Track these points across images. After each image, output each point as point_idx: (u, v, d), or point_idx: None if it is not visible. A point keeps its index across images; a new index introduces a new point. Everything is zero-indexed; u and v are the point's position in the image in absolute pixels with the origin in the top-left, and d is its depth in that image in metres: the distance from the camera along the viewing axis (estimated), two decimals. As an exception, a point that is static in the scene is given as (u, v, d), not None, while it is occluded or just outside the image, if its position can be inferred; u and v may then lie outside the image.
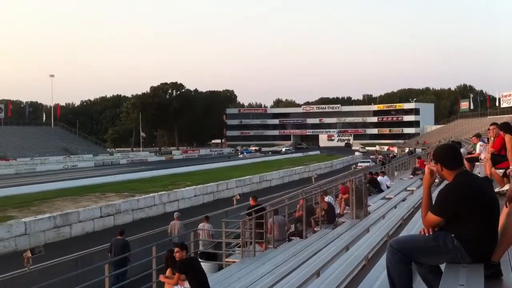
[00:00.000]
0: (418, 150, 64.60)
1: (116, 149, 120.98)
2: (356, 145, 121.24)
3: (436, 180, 4.21)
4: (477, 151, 14.04)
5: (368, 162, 60.25)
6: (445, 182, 3.64)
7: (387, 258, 3.60)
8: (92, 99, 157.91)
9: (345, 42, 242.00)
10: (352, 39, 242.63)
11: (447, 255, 3.43)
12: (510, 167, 7.92)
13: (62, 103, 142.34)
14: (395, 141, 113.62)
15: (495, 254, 3.38)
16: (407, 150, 73.88)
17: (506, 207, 3.57)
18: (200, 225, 16.05)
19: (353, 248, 7.17)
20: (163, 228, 18.05)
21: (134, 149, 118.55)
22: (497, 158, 8.44)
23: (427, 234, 3.51)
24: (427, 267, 3.58)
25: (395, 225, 8.56)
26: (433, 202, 3.55)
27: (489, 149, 9.24)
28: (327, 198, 14.88)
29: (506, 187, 8.06)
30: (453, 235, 3.39)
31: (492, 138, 9.35)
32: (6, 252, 19.47)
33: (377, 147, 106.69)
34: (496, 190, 8.38)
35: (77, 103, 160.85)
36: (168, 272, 9.29)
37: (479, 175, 10.49)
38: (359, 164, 58.92)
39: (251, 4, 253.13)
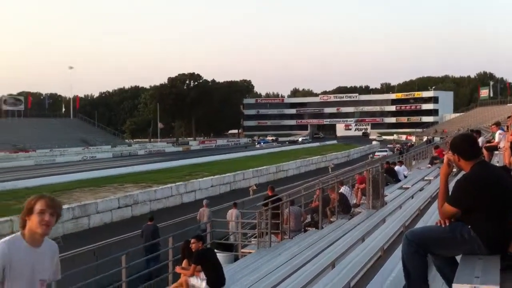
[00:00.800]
0: (437, 139, 64.04)
1: (134, 140, 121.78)
2: (374, 134, 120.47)
3: (454, 170, 4.12)
4: (496, 139, 13.84)
5: (386, 151, 59.89)
6: (463, 173, 3.57)
7: (402, 249, 3.54)
8: (110, 90, 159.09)
9: (362, 30, 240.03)
10: (370, 27, 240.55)
11: (464, 247, 3.36)
12: (530, 156, 7.77)
13: (81, 95, 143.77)
14: (413, 130, 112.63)
15: (512, 245, 3.30)
16: (425, 139, 73.26)
17: None
18: (229, 212, 16.14)
19: (369, 239, 7.10)
20: (193, 215, 18.42)
21: (152, 140, 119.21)
22: (516, 148, 8.30)
23: (443, 226, 3.44)
24: (443, 258, 3.52)
25: (412, 215, 8.46)
26: (450, 193, 3.49)
27: (508, 137, 9.08)
28: (343, 188, 14.78)
29: (526, 176, 7.91)
30: (469, 226, 3.32)
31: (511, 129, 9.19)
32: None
33: (395, 136, 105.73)
34: (515, 179, 8.25)
35: (96, 94, 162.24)
36: (184, 263, 9.31)
37: (498, 164, 10.33)
38: (376, 153, 58.55)
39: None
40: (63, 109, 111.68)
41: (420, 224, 6.32)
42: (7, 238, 3.00)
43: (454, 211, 3.39)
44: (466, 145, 3.48)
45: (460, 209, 3.36)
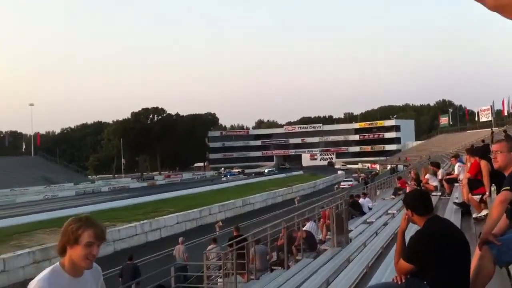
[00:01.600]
0: (400, 167, 65.08)
1: (98, 176, 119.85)
2: (339, 164, 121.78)
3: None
4: (456, 171, 14.17)
5: (351, 181, 60.47)
6: (417, 228, 3.61)
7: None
8: (72, 126, 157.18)
9: (324, 61, 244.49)
10: (331, 57, 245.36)
11: (421, 303, 3.36)
12: (487, 192, 7.92)
13: (42, 132, 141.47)
14: (377, 158, 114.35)
15: (469, 299, 3.33)
16: (389, 167, 74.35)
17: (480, 250, 3.53)
18: (209, 247, 16.06)
19: (334, 283, 7.07)
20: (169, 250, 18.84)
21: (116, 175, 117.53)
22: (474, 183, 8.46)
23: (399, 282, 3.45)
24: (401, 314, 3.52)
25: (376, 254, 8.50)
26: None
27: (466, 174, 9.27)
28: (308, 224, 14.79)
29: (484, 212, 8.07)
30: (425, 282, 3.34)
31: (468, 164, 9.40)
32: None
33: (359, 165, 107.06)
34: (474, 216, 8.40)
35: (57, 131, 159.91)
36: None
37: (457, 200, 10.52)
38: (341, 183, 59.13)
39: (230, 27, 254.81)
40: (24, 147, 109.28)
41: (382, 267, 6.34)
42: (46, 272, 2.62)
43: (409, 267, 3.41)
44: (418, 201, 3.54)
45: (415, 265, 3.39)
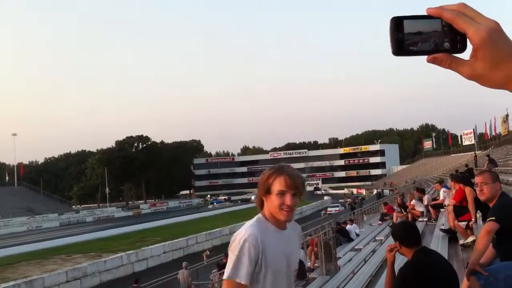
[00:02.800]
0: (386, 192, 65.38)
1: (82, 206, 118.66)
2: (325, 189, 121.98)
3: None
4: (441, 197, 14.33)
5: (338, 206, 60.47)
6: (405, 259, 3.67)
7: None
8: (56, 155, 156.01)
9: (309, 87, 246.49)
10: (316, 83, 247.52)
11: (413, 334, 3.41)
12: (472, 219, 8.03)
13: (26, 162, 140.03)
14: (363, 183, 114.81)
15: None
16: (375, 191, 74.65)
17: (468, 280, 3.60)
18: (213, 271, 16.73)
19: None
20: (173, 275, 19.68)
21: (101, 204, 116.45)
22: (460, 210, 8.58)
23: None
24: None
25: (365, 282, 8.53)
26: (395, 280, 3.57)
27: (451, 201, 9.40)
28: (297, 252, 14.75)
29: (470, 239, 8.18)
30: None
31: (453, 190, 9.52)
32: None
33: (345, 190, 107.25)
34: (461, 242, 8.50)
35: (40, 160, 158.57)
36: None
37: (443, 226, 10.63)
38: (328, 209, 59.08)
39: (209, 52, 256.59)
40: (7, 177, 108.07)
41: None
42: (252, 221, 2.48)
43: None
44: (405, 233, 3.61)
45: None
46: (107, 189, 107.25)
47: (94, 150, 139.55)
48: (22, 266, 30.88)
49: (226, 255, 10.98)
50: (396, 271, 3.65)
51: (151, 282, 18.52)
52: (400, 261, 3.73)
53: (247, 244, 2.34)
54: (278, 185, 2.47)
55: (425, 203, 15.48)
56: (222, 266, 17.05)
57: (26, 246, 40.78)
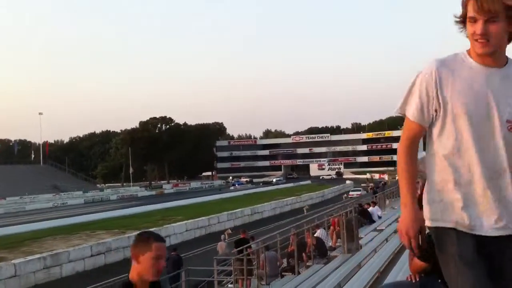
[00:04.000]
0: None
1: (106, 184, 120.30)
2: (347, 174, 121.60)
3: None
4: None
5: (359, 190, 60.30)
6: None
7: (376, 304, 3.62)
8: (81, 135, 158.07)
9: (333, 71, 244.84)
10: (340, 68, 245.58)
11: (435, 301, 3.43)
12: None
13: (51, 141, 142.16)
14: (385, 168, 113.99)
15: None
16: (397, 177, 74.00)
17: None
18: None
19: (346, 287, 7.15)
20: (213, 245, 20.35)
21: (124, 184, 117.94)
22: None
23: (413, 281, 3.52)
24: (416, 313, 3.58)
25: (387, 260, 8.57)
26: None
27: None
28: (318, 231, 14.85)
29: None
30: (440, 280, 3.41)
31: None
32: (-5, 295, 19.19)
33: (367, 175, 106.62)
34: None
35: (66, 140, 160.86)
36: None
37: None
38: (350, 193, 58.97)
39: (236, 37, 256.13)
40: (33, 156, 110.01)
41: (394, 272, 6.42)
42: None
43: (423, 265, 3.48)
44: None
45: (429, 263, 3.45)
46: (131, 169, 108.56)
47: (118, 131, 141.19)
48: (48, 241, 31.54)
49: (244, 232, 11.21)
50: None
51: (191, 252, 19.25)
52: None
53: (420, 76, 2.07)
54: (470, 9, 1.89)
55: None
56: (238, 243, 17.24)
57: (52, 221, 41.57)
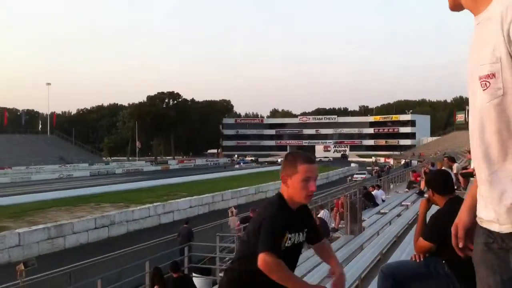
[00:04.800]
0: (414, 162, 64.70)
1: (112, 158, 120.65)
2: (352, 156, 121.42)
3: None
4: (472, 166, 14.11)
5: (364, 173, 60.21)
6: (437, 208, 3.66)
7: (378, 284, 3.60)
8: (88, 107, 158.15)
9: (342, 52, 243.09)
10: (349, 50, 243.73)
11: (438, 282, 3.42)
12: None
13: (59, 112, 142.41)
14: (391, 152, 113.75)
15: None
16: (403, 162, 73.96)
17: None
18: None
19: (347, 268, 7.13)
20: (224, 221, 20.60)
21: (130, 158, 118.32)
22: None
23: (418, 260, 3.51)
24: (419, 293, 3.58)
25: (389, 242, 8.55)
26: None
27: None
28: (322, 212, 14.83)
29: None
30: (444, 261, 3.40)
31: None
32: (-1, 263, 19.37)
33: (373, 159, 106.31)
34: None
35: (73, 111, 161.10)
36: None
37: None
38: (355, 175, 58.89)
39: (247, 15, 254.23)
40: (40, 126, 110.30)
41: (397, 253, 6.40)
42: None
43: (428, 246, 3.47)
44: (440, 180, 3.59)
45: (434, 244, 3.44)
46: (137, 143, 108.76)
47: (126, 104, 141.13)
48: (53, 212, 31.78)
49: (253, 210, 11.17)
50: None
51: (201, 226, 19.44)
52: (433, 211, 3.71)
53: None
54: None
55: (455, 171, 15.26)
56: (244, 220, 17.30)
57: (57, 192, 41.90)
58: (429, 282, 3.46)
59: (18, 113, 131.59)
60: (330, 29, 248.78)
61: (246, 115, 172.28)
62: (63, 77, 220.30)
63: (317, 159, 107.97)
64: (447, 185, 3.60)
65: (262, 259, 2.38)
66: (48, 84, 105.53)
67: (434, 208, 3.74)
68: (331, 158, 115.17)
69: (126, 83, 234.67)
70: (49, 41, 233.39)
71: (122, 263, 13.72)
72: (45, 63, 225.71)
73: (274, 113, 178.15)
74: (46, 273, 12.33)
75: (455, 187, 13.72)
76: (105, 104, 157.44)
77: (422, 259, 3.51)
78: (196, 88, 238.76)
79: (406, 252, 5.89)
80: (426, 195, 3.91)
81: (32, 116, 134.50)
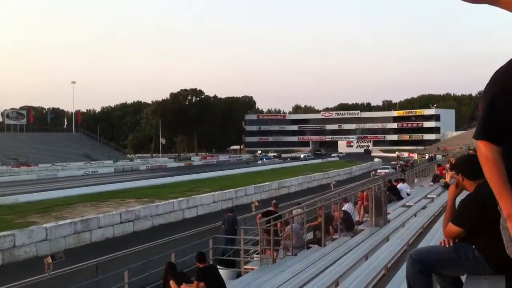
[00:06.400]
0: (439, 157, 63.95)
1: (136, 155, 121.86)
2: (376, 152, 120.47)
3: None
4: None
5: (388, 168, 59.71)
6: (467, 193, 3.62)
7: (407, 269, 3.57)
8: (112, 105, 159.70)
9: (364, 47, 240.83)
10: (371, 45, 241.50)
11: (468, 267, 3.38)
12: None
13: (83, 109, 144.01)
14: (415, 147, 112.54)
15: (517, 265, 3.32)
16: (427, 156, 73.18)
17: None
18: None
19: (373, 257, 7.11)
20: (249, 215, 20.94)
21: (154, 155, 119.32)
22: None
23: (447, 245, 3.47)
24: (447, 278, 3.54)
25: (415, 233, 8.48)
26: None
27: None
28: (346, 206, 14.78)
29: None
30: (473, 246, 3.35)
31: None
32: (27, 257, 19.74)
33: (396, 154, 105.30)
34: None
35: (97, 109, 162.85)
36: (171, 284, 9.16)
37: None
38: (378, 170, 58.45)
39: (269, 11, 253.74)
40: (65, 124, 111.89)
41: (423, 243, 6.35)
42: None
43: (457, 231, 3.43)
44: (470, 165, 3.52)
45: (464, 229, 3.40)
46: (161, 139, 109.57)
47: (149, 102, 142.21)
48: (79, 207, 32.22)
49: (275, 205, 11.16)
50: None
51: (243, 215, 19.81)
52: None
53: None
54: None
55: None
56: (266, 213, 17.27)
57: (82, 189, 42.43)
58: (459, 267, 3.41)
59: (44, 111, 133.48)
60: (353, 22, 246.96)
61: (269, 111, 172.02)
62: (88, 75, 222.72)
63: (334, 155, 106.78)
64: (477, 170, 3.54)
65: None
66: (73, 82, 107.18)
67: (463, 194, 3.70)
68: (344, 154, 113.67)
69: (150, 81, 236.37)
70: (74, 41, 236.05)
71: (149, 256, 13.90)
72: (70, 61, 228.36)
73: (297, 109, 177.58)
74: (73, 266, 12.56)
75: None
76: (129, 101, 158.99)
77: (451, 245, 3.47)
78: (219, 85, 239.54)
79: (432, 242, 5.83)
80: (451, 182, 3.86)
81: (57, 114, 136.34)
